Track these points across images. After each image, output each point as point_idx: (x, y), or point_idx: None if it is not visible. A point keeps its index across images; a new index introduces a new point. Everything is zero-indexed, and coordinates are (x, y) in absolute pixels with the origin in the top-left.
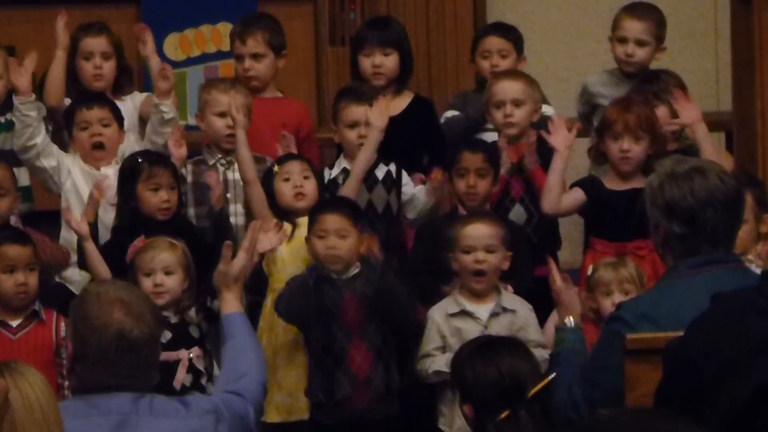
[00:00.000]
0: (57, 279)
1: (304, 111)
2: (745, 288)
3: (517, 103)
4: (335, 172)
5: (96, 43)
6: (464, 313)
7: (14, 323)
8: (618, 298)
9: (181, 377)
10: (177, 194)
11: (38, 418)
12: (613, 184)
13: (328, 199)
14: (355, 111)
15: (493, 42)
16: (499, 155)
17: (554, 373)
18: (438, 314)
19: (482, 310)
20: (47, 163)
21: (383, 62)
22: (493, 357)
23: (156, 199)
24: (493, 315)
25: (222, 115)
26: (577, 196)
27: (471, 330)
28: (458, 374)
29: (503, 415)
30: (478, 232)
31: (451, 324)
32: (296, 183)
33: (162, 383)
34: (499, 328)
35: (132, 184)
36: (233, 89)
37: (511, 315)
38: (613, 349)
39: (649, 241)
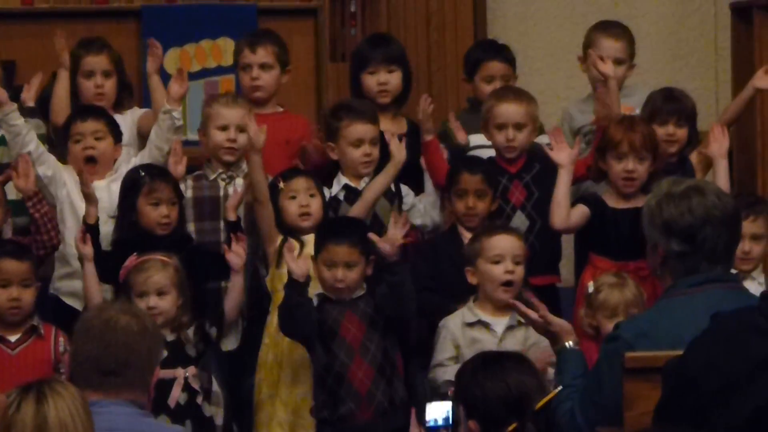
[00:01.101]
0: (51, 291)
1: (307, 125)
2: (744, 307)
3: (518, 127)
4: (335, 189)
5: (97, 62)
6: (481, 324)
7: (13, 338)
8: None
9: (176, 395)
10: (177, 209)
11: None
12: (614, 202)
13: (337, 224)
14: (360, 129)
15: (496, 67)
16: (496, 174)
17: (560, 387)
18: (453, 324)
19: (499, 322)
20: (42, 171)
21: (389, 80)
22: (500, 372)
23: (156, 213)
24: (509, 328)
25: (223, 128)
26: (583, 211)
27: (487, 341)
28: (465, 389)
29: (511, 428)
30: (507, 243)
31: (466, 334)
32: (302, 202)
33: (157, 401)
34: (514, 341)
35: (133, 197)
36: (236, 103)
37: (525, 329)
38: (611, 369)
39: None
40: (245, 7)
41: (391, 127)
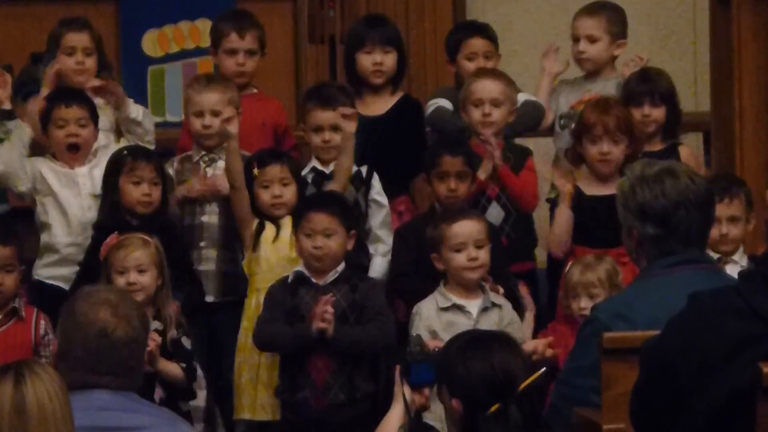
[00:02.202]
0: (35, 277)
1: (280, 107)
2: (723, 288)
3: (495, 103)
4: (305, 170)
5: (78, 39)
6: (455, 307)
7: None
8: (584, 302)
9: (159, 393)
10: (160, 190)
11: (50, 423)
12: (591, 188)
13: (317, 195)
14: (320, 116)
15: (478, 44)
16: (477, 158)
17: (544, 368)
18: (427, 309)
19: (472, 304)
20: (23, 187)
21: (384, 60)
22: (485, 352)
23: (137, 192)
24: (483, 310)
25: (199, 114)
26: (570, 214)
27: (462, 324)
28: (449, 368)
29: (493, 409)
30: (467, 229)
31: (442, 318)
32: (274, 192)
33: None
34: (489, 323)
35: (115, 176)
36: (208, 88)
37: (498, 310)
38: (588, 350)
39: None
40: None
41: (387, 104)
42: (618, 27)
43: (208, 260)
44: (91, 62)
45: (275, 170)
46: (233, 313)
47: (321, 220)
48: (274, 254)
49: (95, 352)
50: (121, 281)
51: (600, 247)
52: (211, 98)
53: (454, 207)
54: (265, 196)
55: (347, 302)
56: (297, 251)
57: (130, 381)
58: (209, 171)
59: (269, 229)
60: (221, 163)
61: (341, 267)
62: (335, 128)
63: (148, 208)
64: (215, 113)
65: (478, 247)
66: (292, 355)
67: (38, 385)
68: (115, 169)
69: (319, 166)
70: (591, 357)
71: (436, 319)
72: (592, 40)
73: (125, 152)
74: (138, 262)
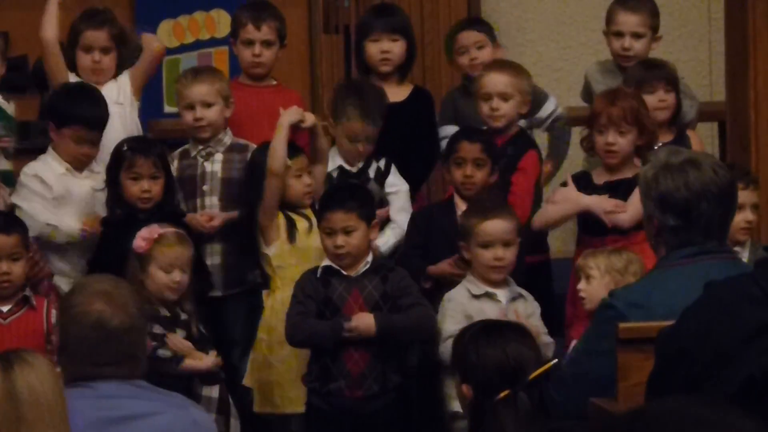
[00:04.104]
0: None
1: (298, 99)
2: (738, 276)
3: (504, 97)
4: (331, 166)
5: (96, 37)
6: (487, 295)
7: (4, 308)
8: (582, 284)
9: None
10: (160, 184)
11: (43, 408)
12: (601, 177)
13: (333, 192)
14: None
15: (468, 36)
16: (496, 145)
17: (555, 359)
18: (460, 296)
19: (501, 293)
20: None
21: (391, 48)
22: (499, 339)
23: (136, 188)
24: (513, 299)
25: (189, 107)
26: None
27: (493, 311)
28: (462, 354)
29: (502, 395)
30: (497, 228)
31: (474, 306)
32: (306, 181)
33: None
34: (519, 310)
35: (117, 171)
36: (196, 80)
37: (524, 301)
38: (603, 336)
39: (629, 236)
40: None
41: (397, 94)
42: (656, 21)
43: (213, 254)
44: (108, 60)
45: (304, 160)
46: (239, 305)
47: (339, 218)
48: (295, 254)
49: (94, 344)
50: (164, 279)
51: (598, 235)
52: (200, 90)
53: (487, 201)
54: (297, 185)
55: (379, 293)
56: (324, 248)
57: (134, 368)
58: (207, 165)
59: (300, 221)
60: (219, 156)
61: (370, 257)
62: (368, 139)
63: (148, 203)
64: (206, 104)
65: (506, 245)
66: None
67: (27, 371)
68: (115, 163)
69: (346, 166)
70: (604, 343)
71: (468, 305)
72: (637, 36)
73: (124, 147)
74: (182, 261)
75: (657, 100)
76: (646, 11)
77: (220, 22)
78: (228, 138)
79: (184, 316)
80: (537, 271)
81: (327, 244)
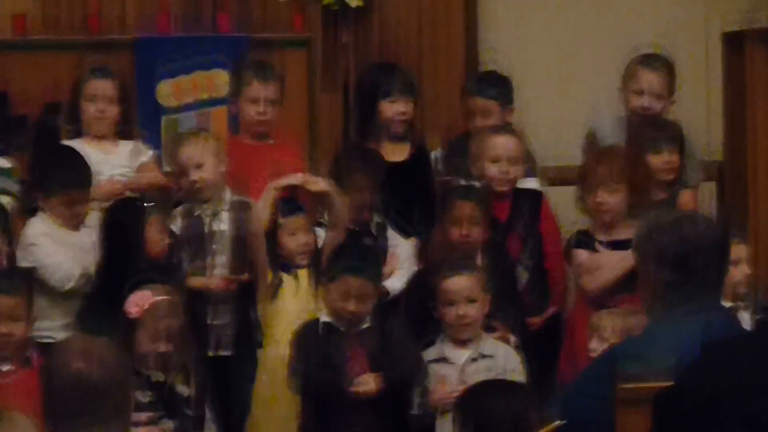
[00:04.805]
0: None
1: (299, 156)
2: (737, 336)
3: (512, 161)
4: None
5: (100, 86)
6: (443, 360)
7: (4, 368)
8: (594, 343)
9: None
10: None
11: None
12: (603, 235)
13: (353, 255)
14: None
15: (475, 102)
16: (491, 200)
17: (563, 421)
18: (426, 357)
19: (460, 355)
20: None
21: (407, 109)
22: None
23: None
24: (472, 360)
25: (182, 173)
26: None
27: (449, 375)
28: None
29: None
30: (459, 285)
31: (432, 370)
32: (300, 241)
33: None
34: (476, 373)
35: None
36: (188, 143)
37: (489, 360)
38: (597, 379)
39: (634, 296)
40: (238, 39)
41: (401, 153)
42: (675, 83)
43: (220, 313)
44: (112, 111)
45: (301, 220)
46: (244, 365)
47: (358, 285)
48: (296, 306)
49: (76, 401)
50: (150, 347)
51: (621, 294)
52: (188, 152)
53: (453, 259)
54: (291, 243)
55: (379, 347)
56: (328, 307)
57: (122, 425)
58: (215, 224)
59: (289, 281)
60: (225, 215)
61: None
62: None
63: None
64: (198, 165)
65: (470, 302)
66: (324, 397)
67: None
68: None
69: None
70: (597, 386)
71: (430, 370)
72: (658, 97)
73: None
74: (170, 332)
75: (662, 161)
76: (667, 73)
77: (219, 82)
78: (231, 195)
79: (158, 377)
80: (550, 326)
81: (338, 306)
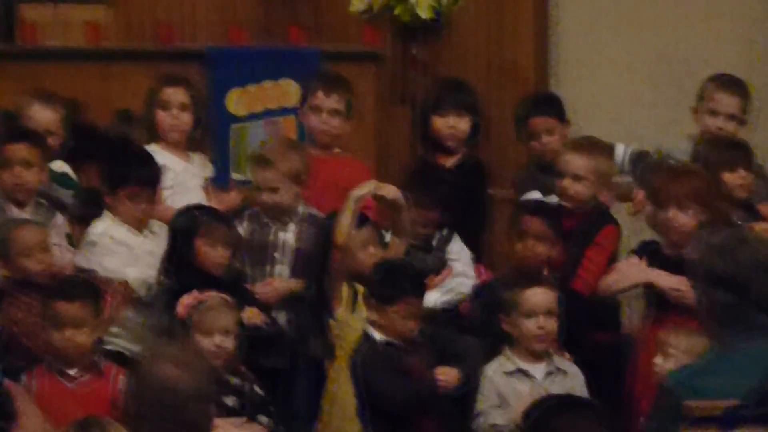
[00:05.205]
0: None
1: (367, 170)
2: None
3: (576, 178)
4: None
5: (173, 93)
6: (520, 372)
7: (71, 372)
8: (659, 359)
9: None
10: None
11: None
12: (670, 250)
13: (412, 279)
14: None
15: (538, 122)
16: (559, 219)
17: None
18: (494, 373)
19: (537, 369)
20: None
21: (457, 124)
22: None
23: (215, 254)
24: (548, 374)
25: (257, 188)
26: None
27: (527, 388)
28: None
29: None
30: (540, 297)
31: (508, 383)
32: (372, 252)
33: None
34: (554, 387)
35: (190, 237)
36: (264, 169)
37: (563, 376)
38: (667, 424)
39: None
40: (309, 51)
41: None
42: (749, 105)
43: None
44: (186, 118)
45: (370, 231)
46: (303, 377)
47: (419, 306)
48: (360, 321)
49: (161, 408)
50: (205, 344)
51: (685, 313)
52: (264, 176)
53: (530, 271)
54: (363, 257)
55: (436, 359)
56: (385, 326)
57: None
58: (281, 234)
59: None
60: (292, 226)
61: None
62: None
63: (220, 269)
64: (272, 189)
65: (549, 315)
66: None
67: None
68: (189, 229)
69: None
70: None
71: (502, 383)
72: (732, 118)
73: (197, 213)
74: (223, 325)
75: (738, 179)
76: (742, 94)
77: (289, 91)
78: (302, 208)
79: (236, 381)
80: (608, 349)
81: (399, 325)
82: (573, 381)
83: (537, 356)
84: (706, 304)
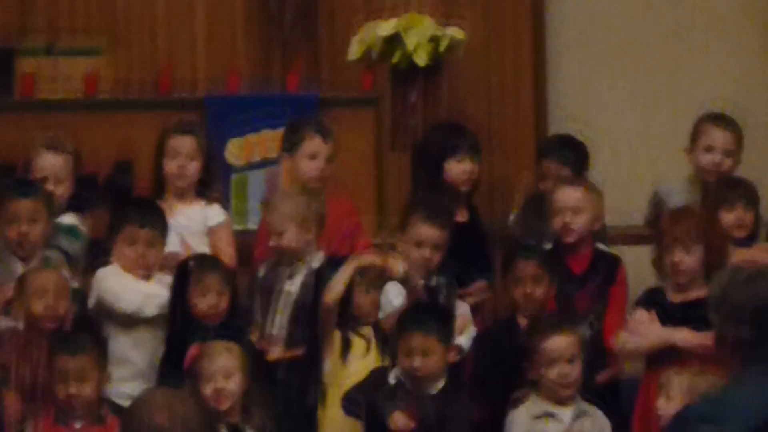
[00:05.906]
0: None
1: (351, 206)
2: None
3: (576, 211)
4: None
5: (181, 143)
6: (548, 415)
7: (77, 425)
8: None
9: None
10: (227, 299)
11: None
12: (675, 295)
13: (415, 311)
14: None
15: (552, 167)
16: (553, 260)
17: None
18: (522, 416)
19: (565, 412)
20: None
21: (473, 168)
22: None
23: (204, 303)
24: (576, 417)
25: (277, 234)
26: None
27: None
28: None
29: None
30: (560, 344)
31: (535, 427)
32: (374, 298)
33: None
34: (582, 430)
35: (183, 287)
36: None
37: (590, 419)
38: None
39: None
40: (307, 98)
41: (461, 214)
42: (743, 141)
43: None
44: (193, 167)
45: (373, 274)
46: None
47: (420, 340)
48: (364, 368)
49: None
50: (208, 390)
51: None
52: (272, 219)
53: (548, 317)
54: (365, 301)
55: (438, 416)
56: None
57: None
58: (287, 284)
59: (358, 343)
60: (298, 279)
61: (442, 382)
62: (437, 246)
63: (215, 318)
64: (280, 234)
65: (570, 362)
66: None
67: None
68: (182, 279)
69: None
70: None
71: (530, 427)
72: (728, 154)
73: (191, 263)
74: (225, 369)
75: (735, 218)
76: (736, 131)
77: None
78: (316, 262)
79: (249, 430)
80: (608, 388)
81: (404, 364)
82: (598, 423)
83: (562, 400)
84: (732, 343)
